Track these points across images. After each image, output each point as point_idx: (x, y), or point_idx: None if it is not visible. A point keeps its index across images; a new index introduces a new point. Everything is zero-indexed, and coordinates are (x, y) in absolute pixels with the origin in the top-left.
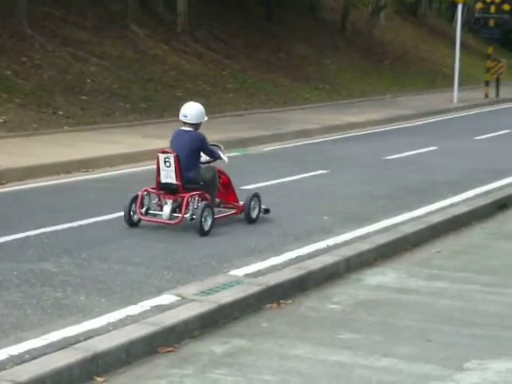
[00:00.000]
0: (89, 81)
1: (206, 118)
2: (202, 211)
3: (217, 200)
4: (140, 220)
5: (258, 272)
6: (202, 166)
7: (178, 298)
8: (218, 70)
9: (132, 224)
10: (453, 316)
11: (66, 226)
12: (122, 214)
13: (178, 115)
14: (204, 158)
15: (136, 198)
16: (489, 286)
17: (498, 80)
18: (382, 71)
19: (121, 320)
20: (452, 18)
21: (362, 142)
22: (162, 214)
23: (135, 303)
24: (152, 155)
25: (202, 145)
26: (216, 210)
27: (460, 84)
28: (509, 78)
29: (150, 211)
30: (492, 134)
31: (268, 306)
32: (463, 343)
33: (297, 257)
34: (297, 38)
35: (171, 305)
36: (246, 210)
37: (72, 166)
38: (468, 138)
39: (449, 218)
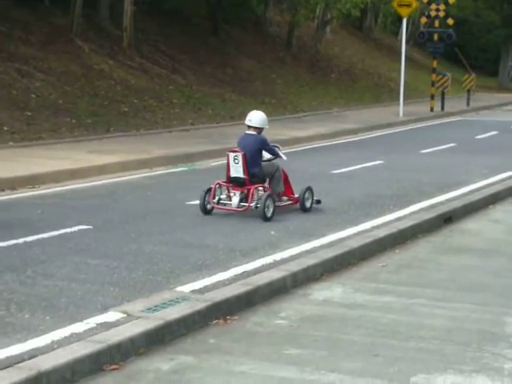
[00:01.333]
0: (34, 96)
1: (267, 126)
2: (265, 201)
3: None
4: (213, 208)
5: (205, 288)
6: (264, 163)
7: (124, 315)
8: (164, 84)
9: (206, 212)
10: (399, 330)
11: (10, 242)
12: (66, 230)
13: (123, 130)
14: (265, 156)
15: (209, 190)
16: (434, 300)
17: (443, 94)
18: (329, 85)
19: (66, 338)
20: (397, 33)
21: (308, 156)
22: (231, 203)
23: (80, 320)
24: (98, 170)
25: (263, 145)
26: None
27: (406, 98)
28: (454, 92)
29: (221, 201)
30: (437, 148)
31: (214, 322)
32: (410, 357)
33: (243, 272)
34: (243, 53)
35: (117, 322)
36: (301, 200)
37: (17, 181)
38: (414, 152)
39: (394, 232)
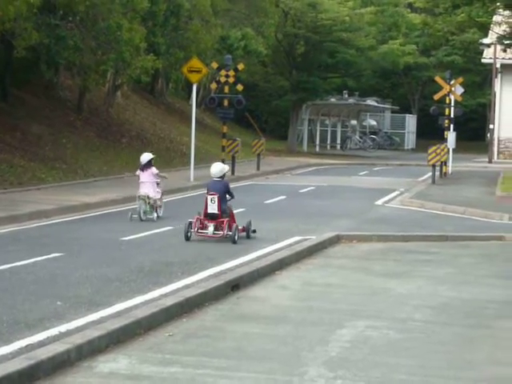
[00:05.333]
0: None
1: (226, 169)
2: (235, 229)
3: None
4: (191, 235)
5: None
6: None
7: None
8: None
9: (188, 239)
10: None
11: None
12: None
13: None
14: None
15: (191, 222)
16: (220, 370)
17: (233, 158)
18: (120, 150)
19: None
20: (189, 97)
21: (98, 223)
22: (207, 232)
23: None
24: None
25: (228, 189)
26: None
27: (197, 162)
28: (245, 156)
29: (199, 230)
30: None
31: None
32: None
33: (27, 345)
34: (33, 118)
35: None
36: (246, 230)
37: None
38: None
39: (181, 300)
